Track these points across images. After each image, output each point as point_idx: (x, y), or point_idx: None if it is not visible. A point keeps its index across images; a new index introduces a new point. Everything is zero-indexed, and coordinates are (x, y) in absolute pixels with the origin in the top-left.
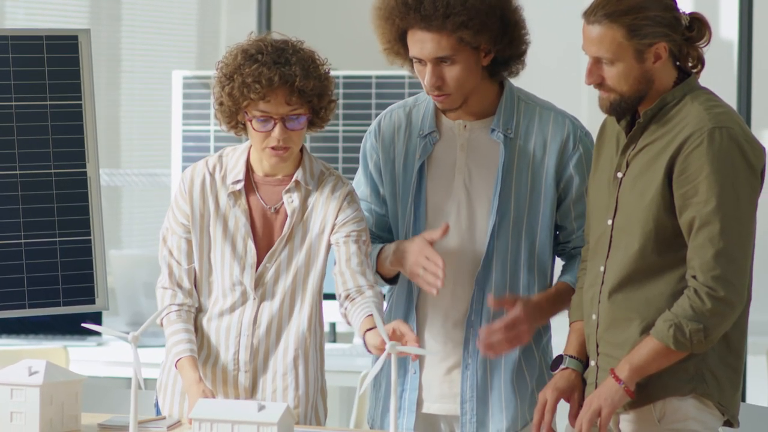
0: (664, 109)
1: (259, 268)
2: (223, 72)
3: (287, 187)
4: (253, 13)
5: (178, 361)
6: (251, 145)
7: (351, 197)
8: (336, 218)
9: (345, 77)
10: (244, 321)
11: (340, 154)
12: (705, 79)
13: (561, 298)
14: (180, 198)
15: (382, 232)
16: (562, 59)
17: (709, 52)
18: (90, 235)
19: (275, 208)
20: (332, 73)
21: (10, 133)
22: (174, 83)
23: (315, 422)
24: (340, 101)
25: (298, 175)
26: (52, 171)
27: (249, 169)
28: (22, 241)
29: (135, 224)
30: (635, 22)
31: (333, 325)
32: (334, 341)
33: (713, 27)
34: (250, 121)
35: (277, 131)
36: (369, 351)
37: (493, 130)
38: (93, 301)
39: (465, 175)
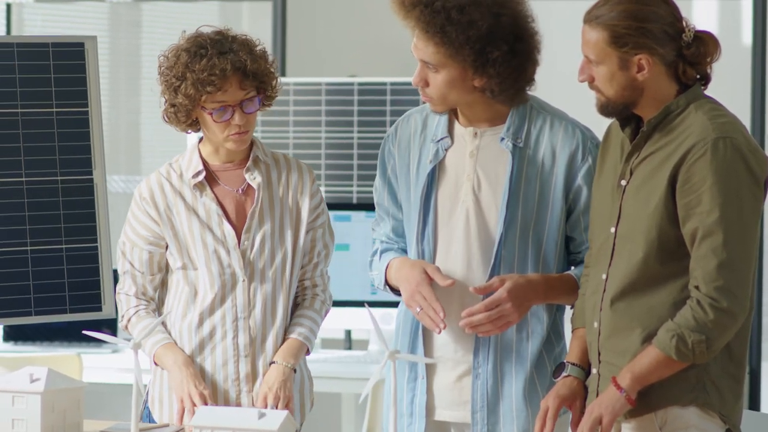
0: (668, 117)
1: (240, 246)
2: (172, 74)
3: (246, 166)
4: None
5: (160, 347)
6: (200, 141)
7: (317, 184)
8: (309, 201)
9: (360, 84)
10: (238, 305)
11: (355, 161)
12: (723, 86)
13: (562, 285)
14: (141, 211)
15: (399, 238)
16: None
17: (730, 59)
18: (96, 242)
19: (241, 189)
20: (349, 80)
21: (16, 140)
22: None
23: (310, 398)
24: (355, 108)
25: (256, 152)
26: (59, 178)
27: (204, 162)
28: (28, 248)
29: None
30: (618, 29)
31: (348, 333)
32: (350, 348)
33: (735, 34)
34: (210, 114)
35: (237, 118)
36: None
37: (502, 139)
38: (100, 308)
39: (474, 182)
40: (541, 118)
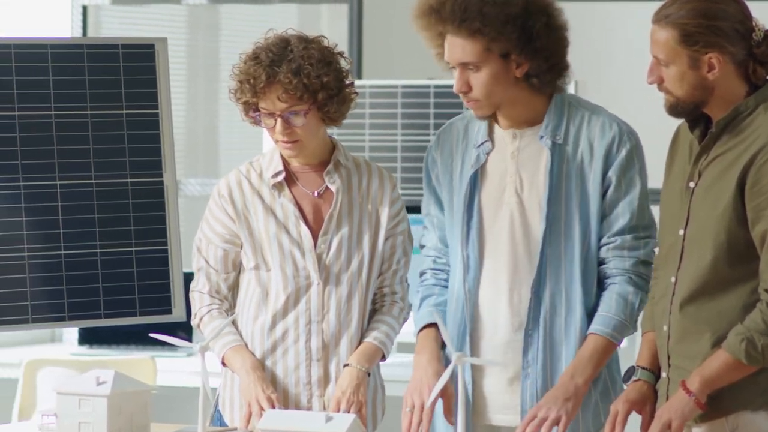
0: (737, 119)
1: (317, 249)
2: (234, 73)
3: (327, 169)
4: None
5: (229, 349)
6: None
7: (397, 190)
8: (389, 209)
9: (436, 87)
10: (312, 308)
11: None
12: None
13: (601, 360)
14: (218, 208)
15: (447, 247)
16: None
17: None
18: (167, 245)
19: (319, 192)
20: (425, 83)
21: (85, 142)
22: None
23: (381, 407)
24: (432, 111)
25: (338, 155)
26: (129, 180)
27: (285, 163)
28: (98, 250)
29: None
30: (689, 28)
31: None
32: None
33: None
34: (255, 117)
35: (278, 126)
36: None
37: (541, 137)
38: (170, 311)
39: (516, 183)
40: (579, 115)
